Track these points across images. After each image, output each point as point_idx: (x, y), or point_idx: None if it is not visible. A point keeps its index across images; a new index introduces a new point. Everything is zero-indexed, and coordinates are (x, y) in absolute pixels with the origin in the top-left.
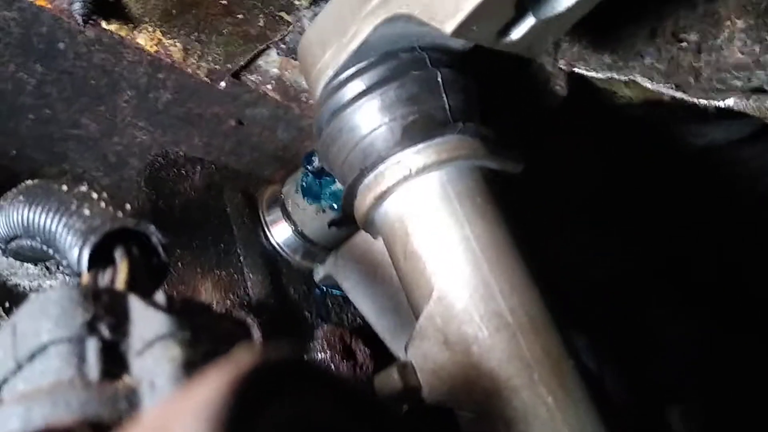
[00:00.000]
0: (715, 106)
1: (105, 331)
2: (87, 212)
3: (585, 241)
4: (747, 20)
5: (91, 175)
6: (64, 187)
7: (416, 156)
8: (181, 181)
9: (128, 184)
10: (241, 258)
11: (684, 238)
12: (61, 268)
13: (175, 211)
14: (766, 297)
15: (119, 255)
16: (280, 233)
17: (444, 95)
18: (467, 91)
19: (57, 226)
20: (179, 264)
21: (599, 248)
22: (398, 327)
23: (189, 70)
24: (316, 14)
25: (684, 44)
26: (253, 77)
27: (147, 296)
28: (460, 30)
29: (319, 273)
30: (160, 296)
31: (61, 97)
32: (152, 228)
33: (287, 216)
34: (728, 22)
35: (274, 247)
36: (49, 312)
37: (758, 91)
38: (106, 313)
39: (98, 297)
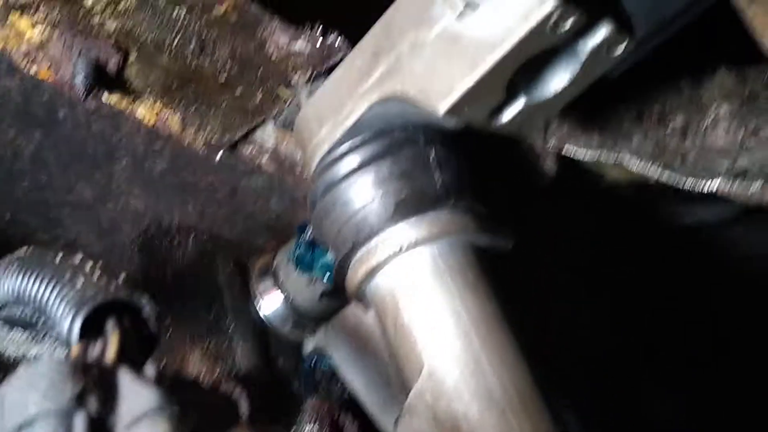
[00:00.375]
0: (701, 189)
1: (93, 406)
2: (80, 283)
3: (575, 315)
4: (731, 106)
5: (83, 240)
6: (59, 257)
7: (408, 231)
8: (173, 250)
9: (120, 250)
10: (231, 328)
11: (675, 314)
12: (48, 335)
13: (167, 280)
14: (754, 373)
15: (110, 327)
16: (270, 303)
17: (436, 172)
18: (459, 168)
19: (50, 296)
20: (168, 333)
21: (589, 322)
22: (387, 402)
23: (186, 142)
24: (312, 91)
25: (670, 128)
26: (249, 149)
27: (137, 369)
28: (453, 111)
29: (309, 345)
30: (149, 370)
31: (58, 163)
32: (145, 300)
33: (278, 286)
34: (713, 108)
35: (264, 318)
36: (37, 384)
37: (743, 175)
38: (94, 387)
39: (87, 370)
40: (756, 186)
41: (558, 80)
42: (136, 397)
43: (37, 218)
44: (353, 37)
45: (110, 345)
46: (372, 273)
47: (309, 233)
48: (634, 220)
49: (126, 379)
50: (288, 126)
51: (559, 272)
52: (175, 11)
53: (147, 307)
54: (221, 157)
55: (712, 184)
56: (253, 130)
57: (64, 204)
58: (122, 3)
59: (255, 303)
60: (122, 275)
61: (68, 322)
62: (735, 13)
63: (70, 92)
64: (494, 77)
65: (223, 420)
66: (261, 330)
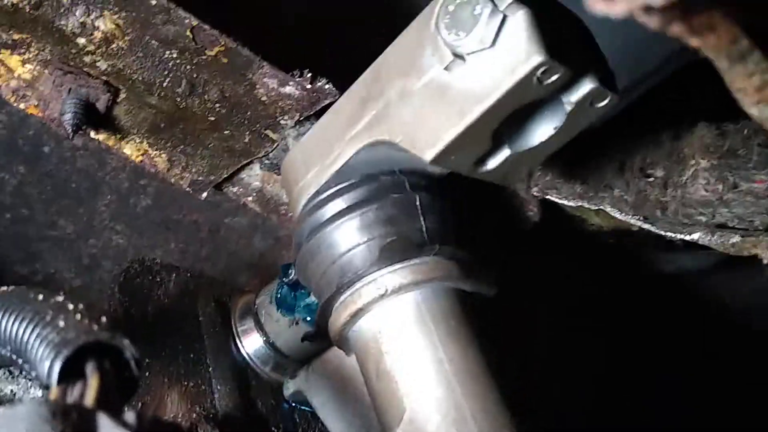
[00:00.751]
0: (681, 239)
1: None
2: (61, 324)
3: (556, 361)
4: (710, 160)
5: (62, 275)
6: (41, 296)
7: (392, 276)
8: (155, 288)
9: (100, 286)
10: (210, 368)
11: (655, 361)
12: (24, 373)
13: (147, 319)
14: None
15: (90, 369)
16: (251, 344)
17: (421, 218)
18: (444, 214)
19: (29, 337)
20: (147, 373)
21: (571, 369)
22: None
23: (172, 180)
24: (300, 133)
25: (651, 179)
26: (234, 189)
27: (116, 412)
28: (439, 158)
29: (289, 388)
30: (129, 415)
31: (41, 198)
32: (126, 342)
33: (259, 327)
34: (693, 161)
35: (244, 358)
36: (17, 428)
37: (722, 227)
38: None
39: (67, 414)
40: (735, 239)
41: (543, 131)
42: None
43: (17, 251)
44: (342, 83)
45: (90, 388)
46: (355, 317)
47: (292, 274)
48: (616, 267)
49: (105, 424)
50: (274, 168)
51: (542, 317)
52: (167, 53)
53: (128, 349)
54: (206, 196)
55: (692, 236)
56: (240, 170)
57: (44, 238)
58: (115, 43)
59: (235, 343)
60: (104, 317)
61: (48, 364)
62: (715, 70)
63: (58, 128)
64: (480, 127)
65: None
66: (241, 371)
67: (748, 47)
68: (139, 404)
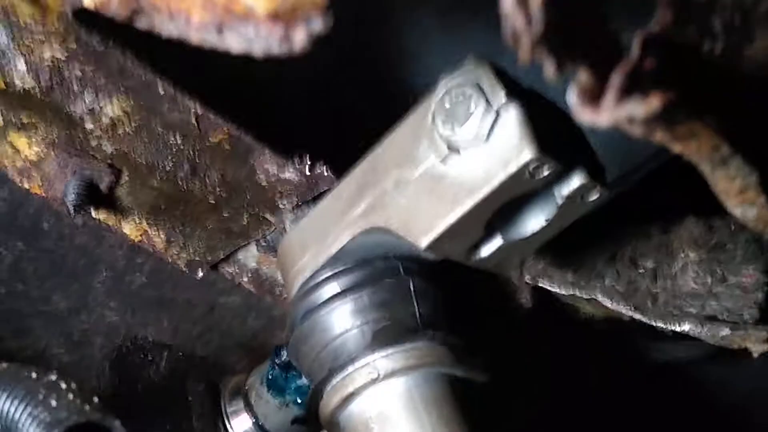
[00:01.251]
0: (672, 330)
1: None
2: (54, 403)
3: None
4: (699, 254)
5: (53, 351)
6: (34, 374)
7: (385, 360)
8: (145, 367)
9: (89, 362)
10: None
11: None
12: None
13: (137, 398)
14: None
15: None
16: (240, 425)
17: (415, 303)
18: (437, 300)
19: (21, 415)
20: None
21: None
22: None
23: (169, 259)
24: (297, 217)
25: (641, 270)
26: (230, 269)
27: None
28: (434, 246)
29: None
30: None
31: (36, 274)
32: (117, 423)
33: (249, 408)
34: (682, 254)
35: None
36: None
37: (712, 319)
38: None
39: None
40: (725, 332)
41: (535, 222)
42: None
43: (8, 326)
44: (340, 170)
45: None
46: (347, 401)
47: (284, 356)
48: (608, 355)
49: None
50: (271, 250)
51: (533, 402)
52: (171, 137)
53: (118, 430)
54: (202, 275)
55: (682, 326)
56: (237, 251)
57: (37, 314)
58: (121, 128)
59: (224, 424)
60: (95, 397)
61: None
62: None
63: (60, 207)
64: (474, 217)
65: None
66: None
67: (729, 153)
68: None
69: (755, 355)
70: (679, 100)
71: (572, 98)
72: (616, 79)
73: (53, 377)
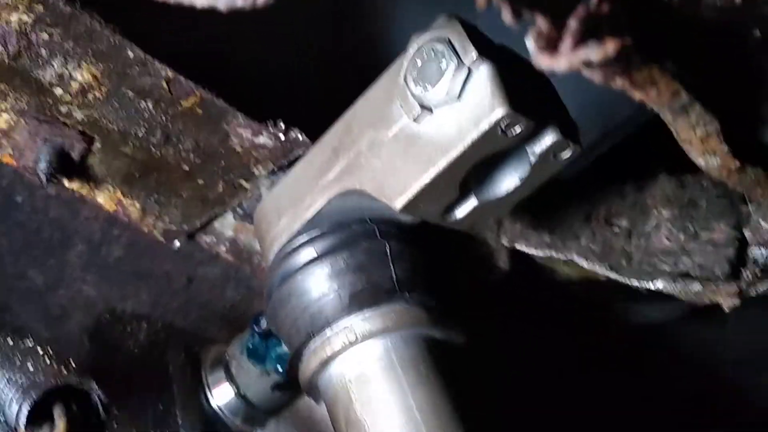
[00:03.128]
0: (646, 288)
1: None
2: (30, 368)
3: (523, 410)
4: (672, 211)
5: (32, 327)
6: (10, 341)
7: (362, 323)
8: (125, 339)
9: (69, 337)
10: (179, 420)
11: (623, 412)
12: None
13: (116, 369)
14: None
15: (58, 413)
16: (221, 395)
17: (391, 265)
18: (414, 262)
19: None
20: (115, 423)
21: (538, 419)
22: None
23: (145, 229)
24: (273, 183)
25: (616, 229)
26: (207, 238)
27: None
28: (408, 207)
29: None
30: None
31: (11, 249)
32: (94, 386)
33: (230, 378)
34: (655, 212)
35: (214, 410)
36: None
37: (685, 276)
38: None
39: None
40: (696, 287)
41: (509, 181)
42: None
43: None
44: (314, 134)
45: (57, 431)
46: (325, 364)
47: (264, 324)
48: (585, 319)
49: None
50: (248, 217)
51: (510, 366)
52: (142, 103)
53: (96, 393)
54: (179, 245)
55: (656, 284)
56: (213, 219)
57: (13, 290)
58: (91, 94)
59: (205, 394)
60: (72, 361)
61: (16, 407)
62: None
63: (31, 177)
64: (448, 177)
65: None
66: (210, 423)
67: (689, 100)
68: None
69: (726, 309)
70: (635, 45)
71: (530, 44)
72: (572, 25)
73: (30, 343)
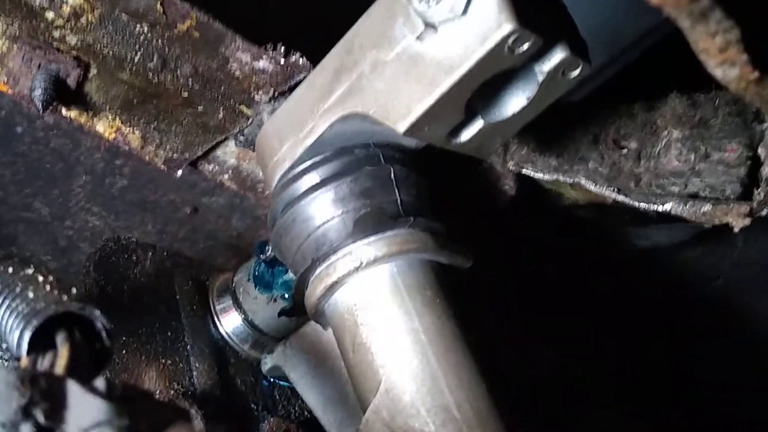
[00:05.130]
0: (655, 210)
1: (40, 417)
2: (31, 295)
3: (527, 335)
4: (683, 131)
5: (39, 258)
6: (10, 269)
7: (367, 248)
8: (131, 267)
9: (77, 268)
10: (188, 347)
11: (631, 339)
12: None
13: (123, 297)
14: (706, 396)
15: (61, 339)
16: (229, 322)
17: (396, 190)
18: (419, 187)
19: None
20: (124, 351)
21: (541, 343)
22: (345, 420)
23: (146, 158)
24: (274, 109)
25: (624, 151)
26: (210, 167)
27: (87, 382)
28: (412, 130)
29: (267, 363)
30: (99, 382)
31: (14, 180)
32: (97, 312)
33: (238, 305)
34: (665, 132)
35: (222, 337)
36: None
37: (694, 197)
38: (42, 399)
39: (35, 381)
40: (706, 208)
41: (516, 102)
42: (86, 409)
43: None
44: (316, 57)
45: (60, 357)
46: (331, 290)
47: (269, 251)
48: (591, 243)
49: (75, 391)
50: (250, 144)
51: (516, 291)
52: (137, 27)
53: (99, 319)
54: (182, 174)
55: (665, 206)
56: (215, 147)
57: (19, 221)
58: (84, 17)
59: (213, 322)
60: (74, 288)
61: (18, 333)
62: (686, 40)
63: (29, 107)
64: (453, 97)
65: None
66: (219, 349)
67: (709, 5)
68: (115, 380)
69: (736, 229)
70: None
71: None
72: None
73: (30, 270)
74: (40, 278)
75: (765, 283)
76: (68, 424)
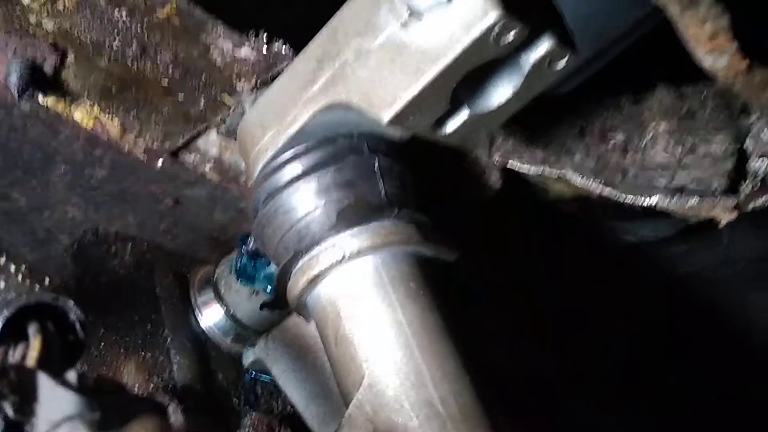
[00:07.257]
0: (641, 204)
1: (9, 410)
2: (2, 285)
3: (512, 330)
4: (669, 123)
5: (18, 250)
6: None
7: (351, 240)
8: (110, 259)
9: (55, 260)
10: (168, 340)
11: (613, 330)
12: None
13: (102, 289)
14: (693, 393)
15: (33, 331)
16: (211, 315)
17: (380, 181)
18: (403, 178)
19: None
20: (102, 344)
21: (526, 338)
22: (328, 415)
23: (126, 147)
24: (256, 98)
25: (611, 143)
26: (191, 157)
27: (59, 374)
28: (397, 119)
29: (249, 357)
30: (71, 375)
31: None
32: (71, 304)
33: (219, 298)
34: (652, 125)
35: (203, 330)
36: None
37: (680, 190)
38: (11, 392)
39: (5, 374)
40: (692, 202)
41: (501, 92)
42: (56, 402)
43: None
44: (299, 45)
45: (32, 349)
46: (313, 282)
47: (251, 244)
48: (577, 238)
49: (46, 384)
50: (232, 134)
51: (500, 284)
52: (116, 12)
53: (73, 311)
54: (163, 165)
55: (651, 200)
56: (196, 137)
57: None
58: (60, 2)
59: (195, 315)
60: (48, 278)
61: None
62: (673, 31)
63: (5, 94)
64: (438, 87)
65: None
66: (200, 342)
67: None
68: (87, 372)
69: (722, 223)
70: None
71: None
72: None
73: (2, 260)
74: (12, 268)
75: (751, 280)
76: (38, 418)
